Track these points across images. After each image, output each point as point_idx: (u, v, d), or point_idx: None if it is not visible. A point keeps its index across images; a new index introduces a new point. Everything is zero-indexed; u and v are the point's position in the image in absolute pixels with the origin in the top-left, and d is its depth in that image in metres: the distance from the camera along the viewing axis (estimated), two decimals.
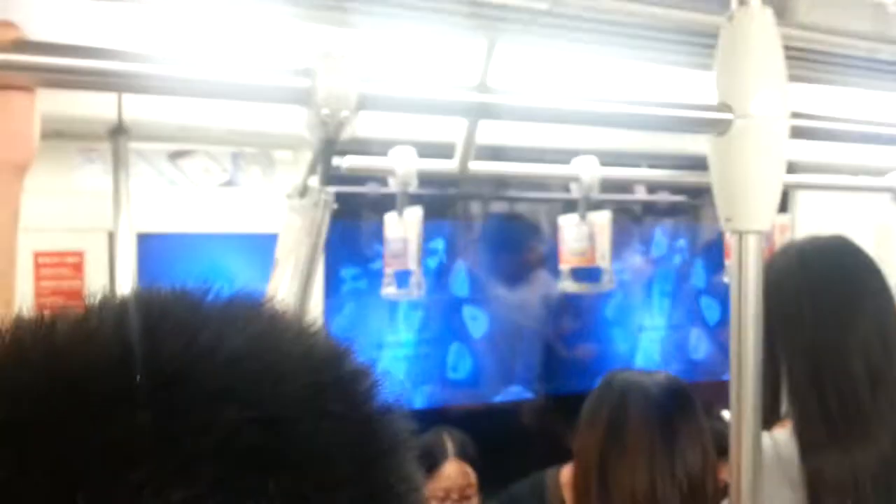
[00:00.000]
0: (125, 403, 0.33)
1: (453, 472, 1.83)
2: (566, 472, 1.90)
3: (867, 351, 1.24)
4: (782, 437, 1.27)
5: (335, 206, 0.78)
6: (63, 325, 0.36)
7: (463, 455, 1.88)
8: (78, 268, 1.53)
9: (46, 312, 0.37)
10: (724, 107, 0.89)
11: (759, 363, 0.93)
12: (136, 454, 0.32)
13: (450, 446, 1.87)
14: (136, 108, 1.50)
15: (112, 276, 1.54)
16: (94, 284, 1.54)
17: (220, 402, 0.34)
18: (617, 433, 1.31)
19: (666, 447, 1.29)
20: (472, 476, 1.86)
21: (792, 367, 1.28)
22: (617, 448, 1.30)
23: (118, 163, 1.49)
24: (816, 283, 1.29)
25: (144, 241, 1.59)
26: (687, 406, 1.36)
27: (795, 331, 1.27)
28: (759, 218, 0.91)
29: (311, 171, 0.76)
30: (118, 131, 1.49)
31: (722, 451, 1.44)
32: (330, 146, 0.72)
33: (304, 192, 0.75)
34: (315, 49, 0.70)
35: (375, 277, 1.84)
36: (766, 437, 1.26)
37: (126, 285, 1.47)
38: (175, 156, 1.70)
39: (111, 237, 1.53)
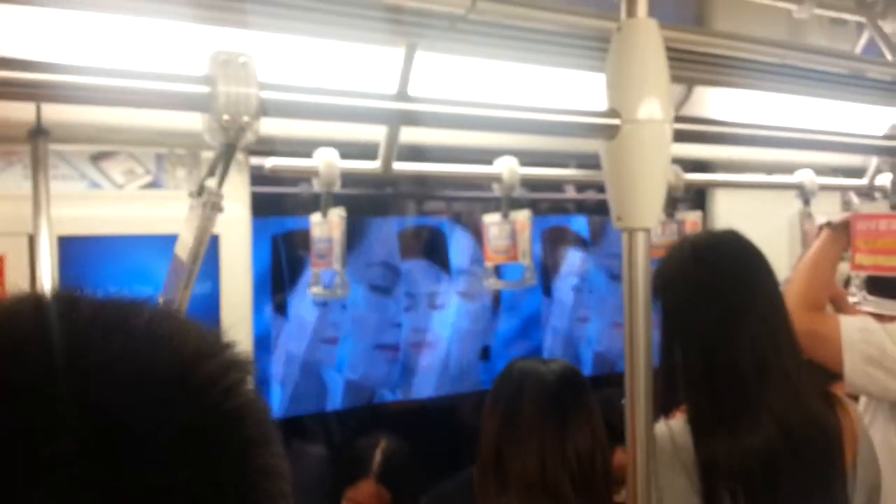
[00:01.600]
0: None
1: (368, 491, 1.89)
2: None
3: (756, 343, 1.30)
4: (677, 425, 1.32)
5: (222, 209, 0.80)
6: None
7: (383, 476, 1.92)
8: None
9: None
10: (613, 113, 0.95)
11: (649, 351, 0.99)
12: None
13: (375, 463, 1.91)
14: (56, 110, 1.49)
15: (33, 280, 1.52)
16: (15, 288, 1.52)
17: (71, 421, 0.36)
18: (512, 420, 1.37)
19: (557, 431, 1.35)
20: (386, 499, 1.91)
21: (686, 358, 1.33)
22: (511, 434, 1.36)
23: (37, 165, 1.48)
24: (709, 277, 1.34)
25: (66, 244, 1.57)
26: (578, 391, 1.42)
27: (689, 324, 1.33)
28: (646, 216, 0.97)
29: (211, 172, 0.78)
30: (37, 133, 1.47)
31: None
32: (230, 150, 0.74)
33: (200, 191, 0.78)
34: (211, 53, 0.72)
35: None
36: (663, 425, 1.32)
37: (47, 289, 1.46)
38: (97, 157, 1.69)
39: (31, 241, 1.52)
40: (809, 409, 1.30)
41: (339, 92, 0.84)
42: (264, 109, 0.73)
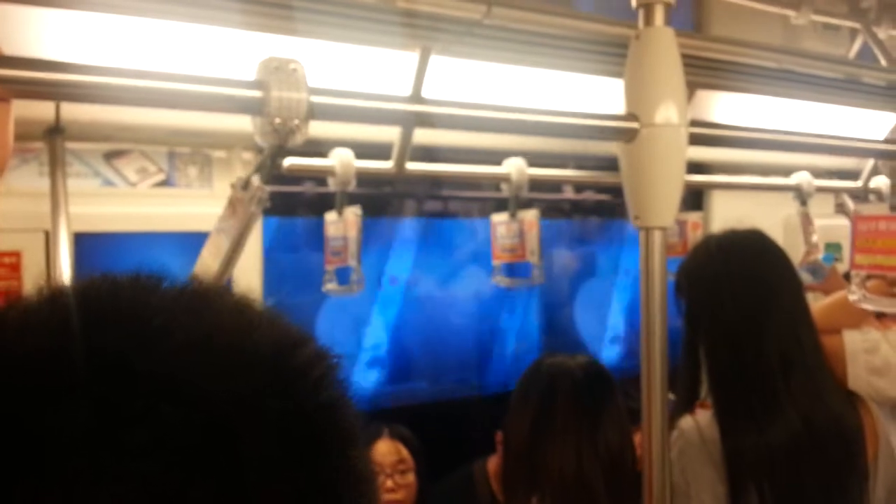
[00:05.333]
0: (62, 395, 0.32)
1: (385, 449, 1.92)
2: (493, 463, 1.99)
3: (781, 337, 1.33)
4: (704, 419, 1.35)
5: (268, 204, 0.83)
6: (9, 315, 0.36)
7: (395, 435, 1.97)
8: (15, 268, 1.53)
9: None
10: (632, 117, 0.99)
11: (665, 346, 1.03)
12: (70, 446, 0.31)
13: (384, 429, 1.96)
14: (71, 109, 1.51)
15: (49, 276, 1.54)
16: (32, 284, 1.54)
17: (157, 397, 0.33)
18: (546, 417, 1.39)
19: (591, 428, 1.37)
20: (404, 452, 1.94)
21: (712, 353, 1.37)
22: (546, 431, 1.37)
23: (55, 162, 1.50)
24: (735, 273, 1.38)
25: (81, 240, 1.60)
26: (608, 388, 1.45)
27: (715, 319, 1.37)
28: (663, 215, 1.01)
29: (257, 170, 0.81)
30: (55, 131, 1.50)
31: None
32: (279, 151, 0.78)
33: (246, 185, 0.81)
34: (262, 60, 0.75)
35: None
36: (689, 419, 1.36)
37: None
38: (111, 156, 1.71)
39: (48, 237, 1.54)
40: (831, 406, 1.34)
41: (377, 97, 0.87)
42: (312, 113, 0.76)
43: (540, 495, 1.36)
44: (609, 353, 3.11)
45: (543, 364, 1.48)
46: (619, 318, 3.17)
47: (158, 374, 0.34)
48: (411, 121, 1.06)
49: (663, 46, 1.00)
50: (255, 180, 0.78)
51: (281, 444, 0.35)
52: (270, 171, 0.79)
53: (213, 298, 0.40)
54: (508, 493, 1.45)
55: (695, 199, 2.40)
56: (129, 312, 0.36)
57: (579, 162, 2.24)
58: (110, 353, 0.34)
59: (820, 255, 2.00)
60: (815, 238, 2.06)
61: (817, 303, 1.56)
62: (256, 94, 0.74)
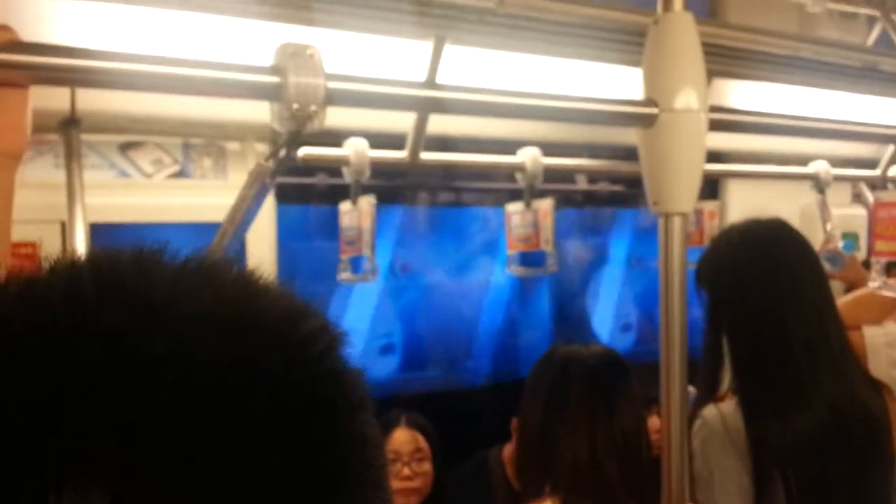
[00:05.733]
0: (60, 366, 0.32)
1: (403, 437, 1.93)
2: (508, 450, 1.99)
3: (806, 325, 1.33)
4: (728, 408, 1.35)
5: (272, 185, 0.83)
6: (13, 286, 0.35)
7: (413, 424, 1.97)
8: (31, 258, 1.54)
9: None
10: (651, 102, 0.98)
11: (684, 333, 1.02)
12: (69, 415, 0.31)
13: (402, 417, 1.97)
14: (86, 100, 1.52)
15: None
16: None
17: (164, 369, 0.33)
18: (559, 405, 1.38)
19: (605, 415, 1.36)
20: (421, 441, 1.95)
21: (735, 343, 1.36)
22: (559, 419, 1.37)
23: (71, 154, 1.51)
24: (759, 262, 1.37)
25: (97, 231, 1.60)
26: (622, 373, 1.44)
27: (739, 308, 1.36)
28: (682, 201, 1.00)
29: (274, 155, 0.81)
30: (70, 123, 1.50)
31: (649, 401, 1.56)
32: (297, 137, 0.78)
33: (277, 173, 0.81)
34: (279, 45, 0.75)
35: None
36: (713, 409, 1.35)
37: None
38: (126, 147, 1.72)
39: (64, 228, 1.54)
40: (857, 394, 1.33)
41: (393, 83, 0.87)
42: (330, 99, 0.76)
43: (553, 482, 1.35)
44: (621, 341, 3.11)
45: (557, 352, 1.48)
46: (631, 307, 3.16)
47: (160, 346, 0.34)
48: (427, 106, 1.06)
49: (683, 31, 0.99)
50: (264, 162, 0.78)
51: (282, 410, 0.35)
52: (287, 156, 0.79)
53: (217, 271, 0.39)
54: (522, 480, 1.45)
55: (711, 188, 2.38)
56: (130, 286, 0.36)
57: (593, 152, 2.23)
58: (110, 326, 0.34)
59: (839, 244, 1.98)
60: (829, 227, 2.04)
61: (838, 298, 1.55)
62: (274, 79, 0.74)
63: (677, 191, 1.00)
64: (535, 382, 1.45)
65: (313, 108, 0.74)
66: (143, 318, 0.34)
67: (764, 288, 1.34)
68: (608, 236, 3.13)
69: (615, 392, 1.40)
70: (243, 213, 0.86)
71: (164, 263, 0.38)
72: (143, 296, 0.35)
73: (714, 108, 1.03)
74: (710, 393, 1.39)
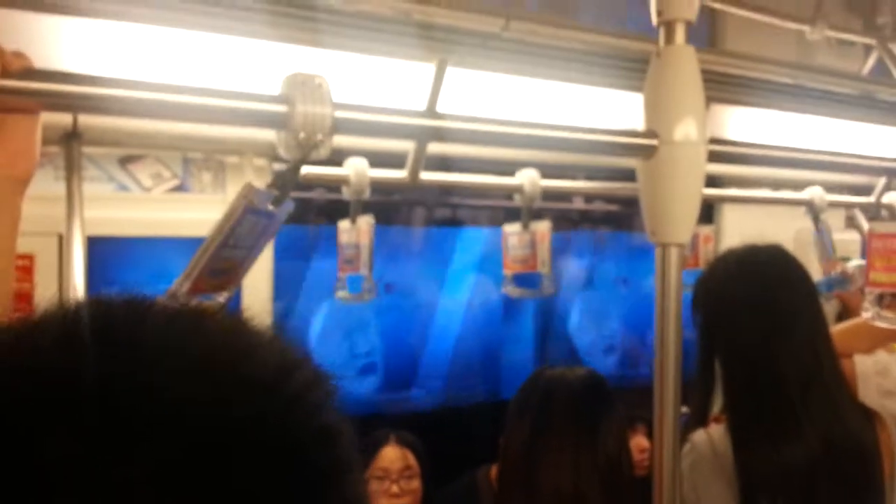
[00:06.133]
0: (50, 422, 0.32)
1: (392, 454, 1.93)
2: (496, 470, 1.99)
3: (800, 357, 1.32)
4: (717, 433, 1.34)
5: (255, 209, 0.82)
6: (5, 331, 0.35)
7: (402, 442, 1.97)
8: (28, 271, 1.54)
9: None
10: (651, 133, 0.99)
11: (679, 362, 1.03)
12: (58, 478, 0.31)
13: (391, 435, 1.97)
14: (87, 115, 1.52)
15: (62, 280, 1.55)
16: (45, 287, 1.55)
17: (150, 425, 0.32)
18: (543, 430, 1.38)
19: (589, 439, 1.36)
20: (410, 459, 1.95)
21: (728, 369, 1.35)
22: (543, 443, 1.37)
23: (71, 167, 1.51)
24: (754, 289, 1.37)
25: (95, 244, 1.60)
26: (605, 397, 1.44)
27: (733, 335, 1.35)
28: (680, 232, 1.01)
29: (280, 181, 0.82)
30: (72, 136, 1.50)
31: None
32: (301, 164, 0.78)
33: (280, 200, 0.81)
34: (288, 75, 0.76)
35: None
36: (703, 434, 1.35)
37: (77, 289, 1.49)
38: (126, 161, 1.72)
39: (62, 240, 1.54)
40: (848, 424, 1.33)
41: (397, 112, 0.88)
42: (336, 128, 0.76)
43: None
44: (607, 363, 3.11)
45: (542, 375, 1.48)
46: (621, 328, 3.17)
47: (148, 400, 0.33)
48: (429, 135, 1.07)
49: (684, 65, 1.00)
50: (253, 183, 0.78)
51: (271, 471, 0.34)
52: (292, 184, 0.80)
53: (208, 320, 0.39)
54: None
55: (706, 211, 2.40)
56: (122, 336, 0.35)
57: (590, 173, 2.25)
58: (102, 378, 0.33)
59: (849, 264, 2.00)
60: (831, 251, 2.06)
61: (830, 322, 1.56)
62: (282, 108, 0.75)
63: (675, 221, 1.01)
64: (519, 406, 1.45)
65: (319, 136, 0.75)
66: (133, 368, 0.34)
67: (758, 317, 1.34)
68: (594, 258, 3.14)
69: (599, 417, 1.40)
70: (226, 234, 0.85)
71: (156, 311, 0.37)
72: (133, 345, 0.35)
73: (713, 140, 1.04)
74: (700, 415, 1.39)
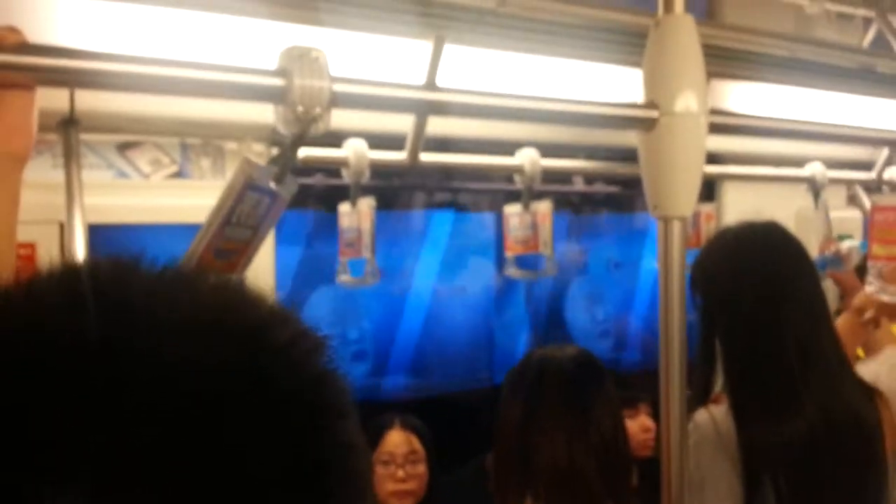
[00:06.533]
0: (42, 377, 0.32)
1: (397, 438, 1.94)
2: (492, 451, 1.98)
3: (798, 330, 1.32)
4: (719, 412, 1.35)
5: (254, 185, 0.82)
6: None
7: (407, 426, 1.97)
8: (30, 259, 1.53)
9: None
10: (651, 105, 0.98)
11: (684, 338, 1.03)
12: (52, 426, 0.31)
13: (395, 419, 1.97)
14: (84, 100, 1.51)
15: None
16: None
17: (144, 376, 0.33)
18: (535, 410, 1.37)
19: (581, 418, 1.36)
20: (416, 443, 1.95)
21: (728, 347, 1.36)
22: (535, 425, 1.36)
23: (70, 154, 1.50)
24: (753, 265, 1.37)
25: (95, 232, 1.60)
26: (598, 375, 1.44)
27: (732, 311, 1.36)
28: (682, 205, 1.01)
29: (279, 158, 0.81)
30: (69, 122, 1.49)
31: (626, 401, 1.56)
32: (300, 139, 0.78)
33: (280, 176, 0.80)
34: (285, 48, 0.75)
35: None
36: (704, 413, 1.35)
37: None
38: (124, 147, 1.71)
39: (62, 228, 1.54)
40: (849, 400, 1.33)
41: (396, 86, 0.87)
42: (334, 101, 0.76)
43: (534, 492, 1.34)
44: (607, 345, 3.11)
45: (533, 357, 1.47)
46: (621, 311, 3.17)
47: (139, 353, 0.34)
48: (429, 109, 1.06)
49: (683, 34, 0.99)
50: (251, 158, 0.78)
51: (264, 418, 0.35)
52: (292, 159, 0.79)
53: (195, 279, 0.40)
54: (499, 486, 1.43)
55: (707, 189, 2.39)
56: (110, 294, 0.36)
57: (590, 153, 2.24)
58: (89, 335, 0.34)
59: (843, 245, 1.99)
60: (829, 229, 2.05)
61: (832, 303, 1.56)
62: (279, 81, 0.74)
63: (677, 194, 1.00)
64: (511, 388, 1.44)
65: (318, 110, 0.74)
66: (121, 329, 0.34)
67: (757, 294, 1.34)
68: (590, 241, 3.13)
69: (591, 393, 1.39)
70: (227, 211, 0.85)
71: (141, 272, 0.38)
72: (121, 307, 0.35)
73: (714, 112, 1.04)
74: (702, 396, 1.40)
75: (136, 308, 0.35)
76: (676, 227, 1.00)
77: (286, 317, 0.39)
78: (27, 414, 0.32)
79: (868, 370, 1.43)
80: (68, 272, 0.38)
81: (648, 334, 3.06)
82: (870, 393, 1.39)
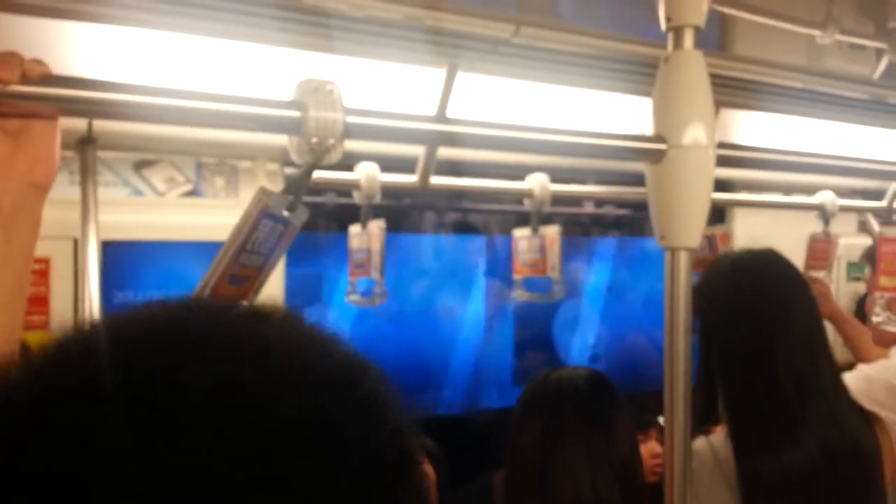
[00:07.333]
0: (113, 440, 0.32)
1: None
2: (505, 474, 1.97)
3: (796, 360, 1.32)
4: (718, 439, 1.35)
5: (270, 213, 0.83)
6: (47, 350, 0.36)
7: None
8: (44, 274, 1.56)
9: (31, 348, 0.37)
10: (659, 138, 0.99)
11: (688, 367, 1.03)
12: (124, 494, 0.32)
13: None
14: (102, 119, 1.54)
15: (77, 284, 1.57)
16: (60, 292, 1.57)
17: (234, 430, 0.33)
18: (554, 432, 1.35)
19: (601, 440, 1.35)
20: (427, 469, 1.94)
21: (725, 374, 1.35)
22: (555, 447, 1.34)
23: (87, 171, 1.53)
24: (749, 294, 1.37)
25: (109, 248, 1.62)
26: (613, 396, 1.43)
27: (729, 339, 1.35)
28: (689, 236, 1.01)
29: (293, 186, 0.83)
30: (87, 141, 1.52)
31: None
32: (312, 168, 0.80)
33: (293, 205, 0.82)
34: (300, 81, 0.77)
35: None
36: (703, 441, 1.35)
37: (91, 293, 1.51)
38: (140, 165, 1.74)
39: (77, 244, 1.56)
40: (848, 428, 1.32)
41: (408, 117, 0.89)
42: (348, 133, 0.78)
43: None
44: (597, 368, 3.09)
45: (549, 378, 1.45)
46: (607, 337, 3.16)
47: (233, 403, 0.34)
48: (439, 140, 1.08)
49: (693, 70, 1.01)
50: (267, 188, 0.79)
51: (361, 466, 0.36)
52: (305, 188, 0.81)
53: (260, 319, 0.41)
54: None
55: (717, 215, 2.39)
56: (197, 338, 0.37)
57: (600, 177, 2.25)
58: (178, 382, 0.34)
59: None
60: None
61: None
62: (295, 113, 0.76)
63: (684, 225, 1.01)
64: (526, 410, 1.42)
65: (331, 141, 0.76)
66: (208, 374, 0.35)
67: (753, 321, 1.34)
68: (589, 264, 3.13)
69: (609, 415, 1.38)
70: (243, 238, 0.86)
71: (225, 313, 0.40)
72: (221, 349, 0.36)
73: (722, 145, 1.05)
74: (703, 422, 1.39)
75: (246, 356, 0.36)
76: (683, 258, 1.01)
77: (366, 365, 0.41)
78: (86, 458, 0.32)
79: (862, 377, 1.41)
80: (146, 316, 0.39)
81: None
82: (868, 419, 1.38)
